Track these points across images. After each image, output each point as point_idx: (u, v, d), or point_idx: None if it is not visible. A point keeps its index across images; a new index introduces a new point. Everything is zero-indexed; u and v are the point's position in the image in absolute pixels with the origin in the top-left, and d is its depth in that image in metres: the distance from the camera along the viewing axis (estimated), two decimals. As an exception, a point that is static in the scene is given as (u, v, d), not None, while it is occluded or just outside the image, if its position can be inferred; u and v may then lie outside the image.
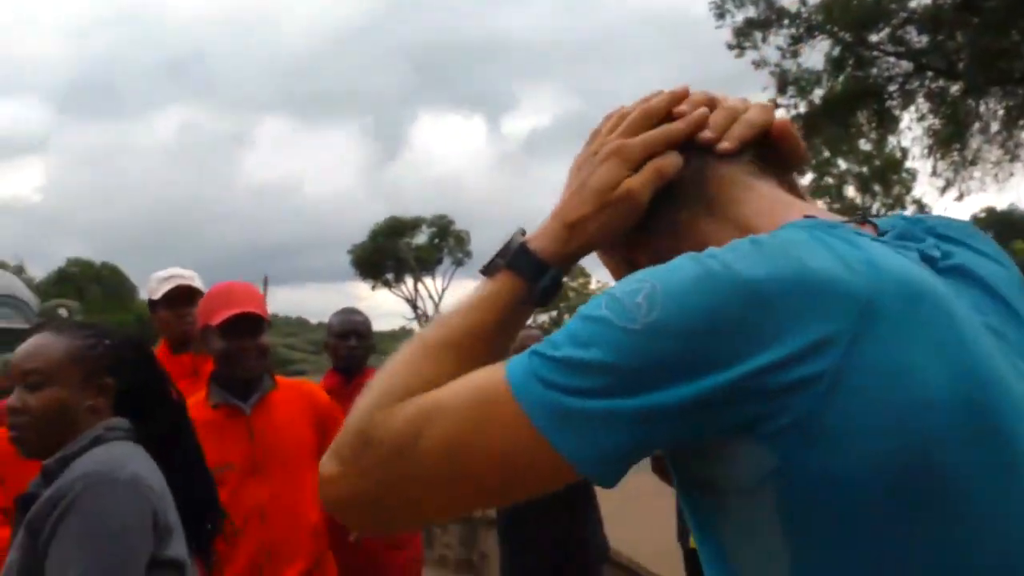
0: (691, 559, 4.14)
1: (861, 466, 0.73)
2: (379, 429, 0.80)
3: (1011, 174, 17.42)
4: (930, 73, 16.65)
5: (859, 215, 0.94)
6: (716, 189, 0.92)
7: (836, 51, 16.98)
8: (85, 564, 1.67)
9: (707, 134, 0.94)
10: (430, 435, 0.78)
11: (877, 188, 39.49)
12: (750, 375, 0.73)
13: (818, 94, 17.60)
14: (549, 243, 0.94)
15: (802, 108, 17.53)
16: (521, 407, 0.76)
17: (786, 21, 17.04)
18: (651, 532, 6.16)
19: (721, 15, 17.38)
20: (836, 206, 42.02)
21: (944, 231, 0.93)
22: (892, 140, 22.36)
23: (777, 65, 17.48)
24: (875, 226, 0.92)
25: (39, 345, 1.91)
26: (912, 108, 17.69)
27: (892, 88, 17.25)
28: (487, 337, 0.90)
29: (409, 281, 58.57)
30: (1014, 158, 17.18)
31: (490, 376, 0.80)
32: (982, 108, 16.72)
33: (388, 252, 57.32)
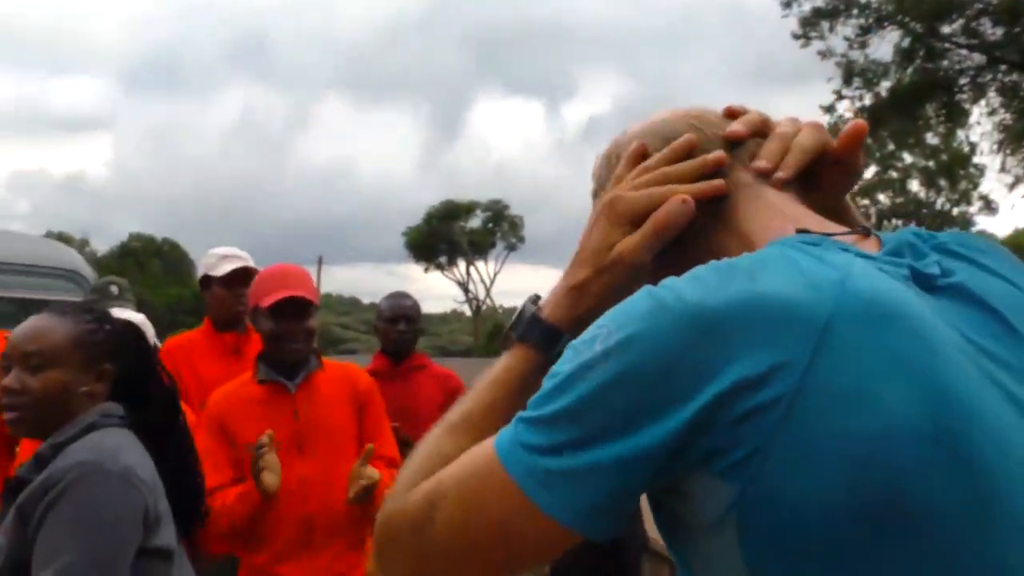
0: None
1: (821, 497, 0.71)
2: (398, 515, 0.84)
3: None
4: (1003, 67, 16.17)
5: (861, 228, 0.91)
6: (731, 197, 0.92)
7: (906, 42, 16.59)
8: (74, 553, 1.66)
9: (762, 163, 0.93)
10: (439, 516, 0.81)
11: (943, 183, 38.63)
12: (705, 408, 0.72)
13: (885, 86, 17.23)
14: (558, 309, 0.94)
15: (867, 100, 17.17)
16: (509, 476, 0.77)
17: (855, 11, 16.67)
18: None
19: (788, 4, 17.10)
20: (899, 200, 41.23)
21: (955, 247, 0.89)
22: (960, 134, 21.80)
23: (843, 55, 17.15)
24: (879, 240, 0.89)
25: (41, 327, 1.88)
26: (983, 102, 17.23)
27: (963, 81, 16.81)
28: (505, 411, 0.88)
29: (462, 264, 58.90)
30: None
31: (484, 450, 0.81)
32: (1057, 104, 16.20)
33: (442, 235, 57.64)
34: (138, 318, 2.90)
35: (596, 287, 0.93)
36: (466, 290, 60.30)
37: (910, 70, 16.64)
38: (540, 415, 0.77)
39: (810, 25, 16.93)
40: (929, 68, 16.53)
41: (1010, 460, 0.75)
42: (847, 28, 16.66)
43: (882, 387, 0.72)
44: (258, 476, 2.55)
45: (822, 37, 16.91)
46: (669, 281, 0.78)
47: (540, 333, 0.93)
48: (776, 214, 0.90)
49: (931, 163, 36.99)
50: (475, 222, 58.90)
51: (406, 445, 3.03)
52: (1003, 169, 17.50)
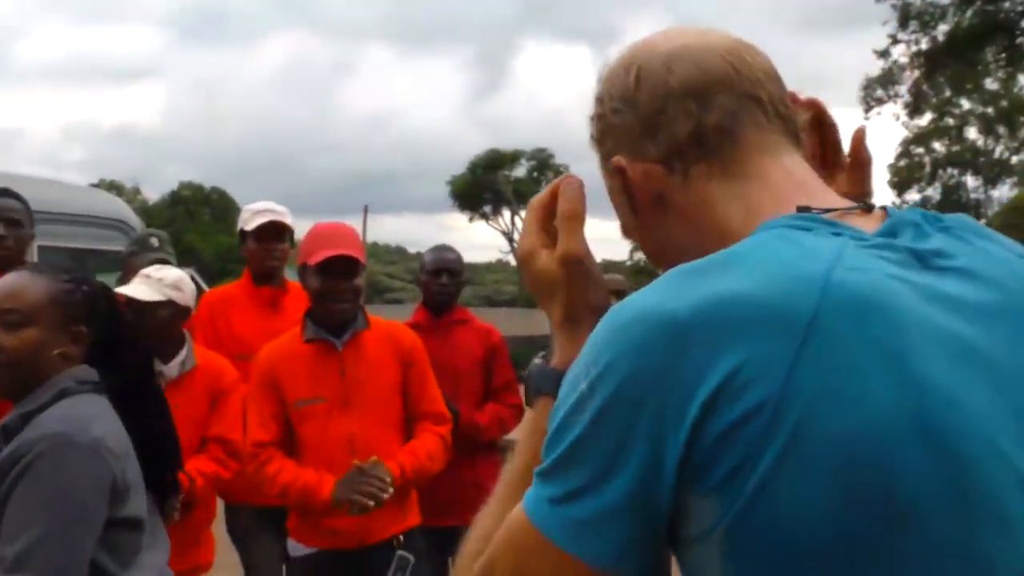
0: None
1: (811, 504, 0.69)
2: None
3: None
4: (1070, 8, 15.51)
5: (864, 203, 0.87)
6: (740, 152, 0.87)
7: (966, -17, 15.96)
8: (42, 527, 1.66)
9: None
10: None
11: (1002, 130, 37.51)
12: (696, 420, 0.70)
13: (942, 29, 16.66)
14: (563, 354, 0.95)
15: (924, 44, 16.63)
16: (543, 534, 0.77)
17: (913, -50, 16.06)
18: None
19: (842, -57, 16.47)
20: (956, 148, 40.16)
21: (960, 232, 0.85)
22: (1021, 79, 21.05)
23: (900, -3, 16.55)
24: (884, 212, 0.86)
25: (19, 284, 1.85)
26: (1047, 46, 16.57)
27: (1025, 23, 16.16)
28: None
29: (506, 214, 58.76)
30: None
31: (515, 515, 0.81)
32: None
33: (487, 184, 57.50)
34: (175, 274, 2.90)
35: (577, 308, 0.95)
36: (511, 240, 60.23)
37: (969, 12, 16.05)
38: (548, 465, 0.78)
39: (865, -34, 16.34)
40: (989, 10, 15.92)
41: (992, 454, 0.74)
42: (904, -32, 16.08)
43: (867, 386, 0.70)
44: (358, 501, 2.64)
45: (878, -22, 16.34)
46: (636, 295, 0.77)
47: (555, 381, 0.90)
48: (780, 187, 0.86)
49: (990, 109, 35.90)
50: (520, 171, 58.62)
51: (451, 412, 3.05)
52: (1066, 116, 16.88)
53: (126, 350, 1.97)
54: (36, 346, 1.83)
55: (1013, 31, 16.19)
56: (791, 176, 0.87)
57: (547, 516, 0.77)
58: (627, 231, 0.95)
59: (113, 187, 50.31)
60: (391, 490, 2.66)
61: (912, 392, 0.71)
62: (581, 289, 0.94)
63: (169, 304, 2.81)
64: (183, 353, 2.88)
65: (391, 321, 3.10)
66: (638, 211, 0.92)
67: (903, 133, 40.60)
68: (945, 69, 17.35)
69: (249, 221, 3.52)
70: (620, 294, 3.64)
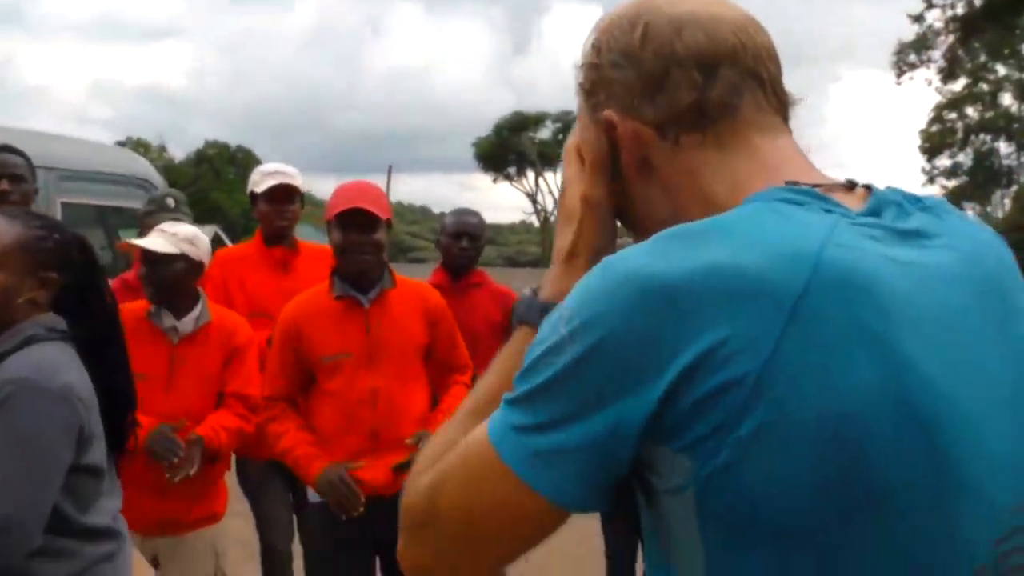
0: None
1: (779, 473, 0.70)
2: (411, 507, 0.85)
3: None
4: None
5: (849, 181, 0.87)
6: (736, 128, 0.87)
7: (1004, -56, 15.56)
8: (9, 468, 1.69)
9: None
10: (443, 500, 0.82)
11: (1037, 97, 36.76)
12: (671, 384, 0.71)
13: (979, -8, 16.26)
14: (552, 285, 0.95)
15: (960, 8, 16.27)
16: (502, 460, 0.78)
17: (950, -91, 15.67)
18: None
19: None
20: (989, 114, 39.45)
21: (940, 212, 0.86)
22: (1059, 45, 20.56)
23: (936, -41, 16.18)
24: (867, 190, 0.86)
25: None
26: (1086, 10, 16.16)
27: (1065, -13, 15.76)
28: None
29: (530, 175, 58.55)
30: None
31: (477, 435, 0.82)
32: None
33: (511, 146, 57.25)
34: (191, 229, 2.92)
35: (580, 247, 0.94)
36: (534, 201, 60.07)
37: (1008, -25, 15.67)
38: (519, 395, 0.78)
39: (901, -74, 15.98)
40: (1029, -27, 15.53)
41: (972, 436, 0.75)
42: (941, -71, 15.69)
43: (849, 365, 0.71)
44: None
45: (914, -61, 15.96)
46: (629, 252, 0.76)
47: (539, 313, 0.92)
48: (769, 159, 0.86)
49: (1025, 75, 35.15)
50: (545, 133, 58.30)
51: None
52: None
53: (95, 300, 1.98)
54: (3, 290, 1.84)
55: (1052, -6, 15.81)
56: (781, 154, 0.87)
57: (509, 442, 0.78)
58: (595, 190, 0.93)
59: (140, 145, 50.58)
60: (362, 508, 2.72)
61: (894, 374, 0.72)
62: (590, 231, 0.94)
63: (183, 258, 2.82)
64: (197, 309, 2.90)
65: (418, 281, 3.14)
66: (620, 171, 0.91)
67: (935, 99, 39.93)
68: (981, 34, 16.99)
69: (259, 183, 3.54)
70: (469, 236, 3.65)
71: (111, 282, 3.68)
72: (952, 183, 41.23)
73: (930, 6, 17.65)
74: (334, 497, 2.70)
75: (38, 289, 1.87)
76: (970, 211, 42.91)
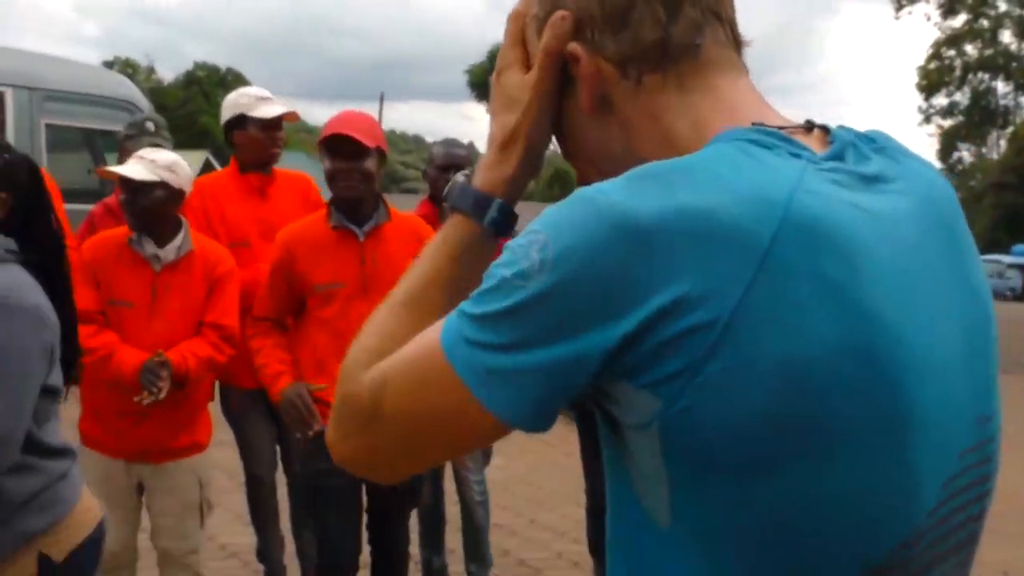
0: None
1: (742, 415, 0.72)
2: (351, 398, 0.85)
3: None
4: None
5: (808, 122, 0.86)
6: (698, 68, 0.86)
7: None
8: None
9: None
10: (386, 400, 0.82)
11: (1038, 35, 36.36)
12: (643, 323, 0.72)
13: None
14: (488, 172, 0.93)
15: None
16: (453, 369, 0.78)
17: None
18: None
19: None
20: (988, 52, 39.02)
21: (892, 152, 0.87)
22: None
23: None
24: (826, 131, 0.86)
25: None
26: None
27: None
28: (445, 285, 0.91)
29: (525, 106, 57.74)
30: None
31: (429, 338, 0.81)
32: None
33: (506, 75, 56.32)
34: (170, 156, 2.87)
35: (520, 132, 0.91)
36: (528, 132, 59.35)
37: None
38: (481, 312, 0.77)
39: None
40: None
41: (930, 382, 0.77)
42: None
43: (815, 313, 0.72)
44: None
45: None
46: (607, 185, 0.75)
47: (472, 200, 0.92)
48: (735, 99, 0.85)
49: (1027, 12, 34.70)
50: (540, 62, 57.42)
51: None
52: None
53: (41, 225, 1.97)
54: None
55: (1059, -71, 15.49)
56: (742, 95, 0.86)
57: (463, 356, 0.77)
58: (546, 83, 0.90)
59: (128, 66, 49.70)
60: (318, 427, 2.77)
61: (856, 323, 0.73)
62: (534, 121, 0.91)
63: (163, 185, 2.78)
64: (179, 237, 2.86)
65: (412, 214, 3.12)
66: (578, 107, 0.89)
67: (934, 35, 39.43)
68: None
69: (254, 107, 3.43)
70: (458, 168, 3.64)
71: (93, 207, 3.66)
72: (948, 122, 41.03)
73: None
74: (290, 415, 2.77)
75: None
76: (965, 152, 42.77)
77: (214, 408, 3.21)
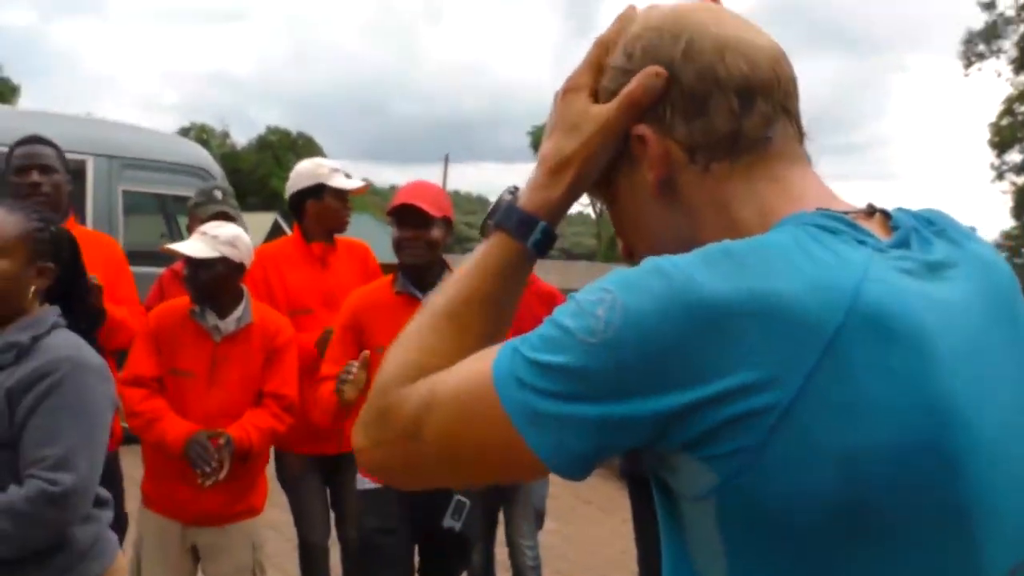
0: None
1: (800, 497, 0.72)
2: (392, 412, 0.86)
3: None
4: None
5: (869, 207, 0.87)
6: (766, 159, 0.87)
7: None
8: (75, 436, 1.88)
9: None
10: (430, 424, 0.83)
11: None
12: (703, 401, 0.72)
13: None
14: (535, 194, 0.93)
15: None
16: (502, 405, 0.78)
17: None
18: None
19: None
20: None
21: (952, 234, 0.87)
22: None
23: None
24: (887, 215, 0.86)
25: None
26: None
27: None
28: (485, 302, 0.91)
29: (589, 165, 57.85)
30: None
31: (480, 370, 0.82)
32: None
33: (569, 135, 56.63)
34: (231, 231, 2.97)
35: (576, 162, 0.90)
36: (592, 191, 59.46)
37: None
38: (537, 360, 0.78)
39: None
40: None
41: (995, 472, 0.77)
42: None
43: (880, 403, 0.72)
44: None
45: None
46: (682, 261, 0.76)
47: (517, 221, 0.92)
48: (800, 188, 0.86)
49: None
50: (603, 122, 57.66)
51: None
52: None
53: (80, 295, 2.13)
54: (14, 277, 1.96)
55: None
56: (808, 185, 0.87)
57: (513, 393, 0.78)
58: (620, 122, 0.88)
59: (203, 131, 51.38)
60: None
61: (921, 412, 0.74)
62: (593, 153, 0.90)
63: (223, 260, 2.88)
64: (240, 309, 2.96)
65: None
66: (643, 188, 0.89)
67: (1006, 91, 38.70)
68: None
69: (331, 178, 3.54)
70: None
71: (163, 271, 3.80)
72: (1022, 179, 40.01)
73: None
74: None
75: (38, 278, 2.01)
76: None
77: (268, 469, 3.27)
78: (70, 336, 1.99)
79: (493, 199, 3.17)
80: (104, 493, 2.04)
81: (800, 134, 0.89)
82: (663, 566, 0.87)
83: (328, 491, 3.53)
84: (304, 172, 3.60)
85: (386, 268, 3.80)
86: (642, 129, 0.87)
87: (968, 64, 31.42)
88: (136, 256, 5.60)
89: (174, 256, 2.99)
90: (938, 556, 0.75)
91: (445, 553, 2.91)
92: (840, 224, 0.80)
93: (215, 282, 2.88)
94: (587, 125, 0.89)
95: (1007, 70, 30.69)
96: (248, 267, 2.99)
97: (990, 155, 40.55)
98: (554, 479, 4.33)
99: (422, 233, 2.87)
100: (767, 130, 0.86)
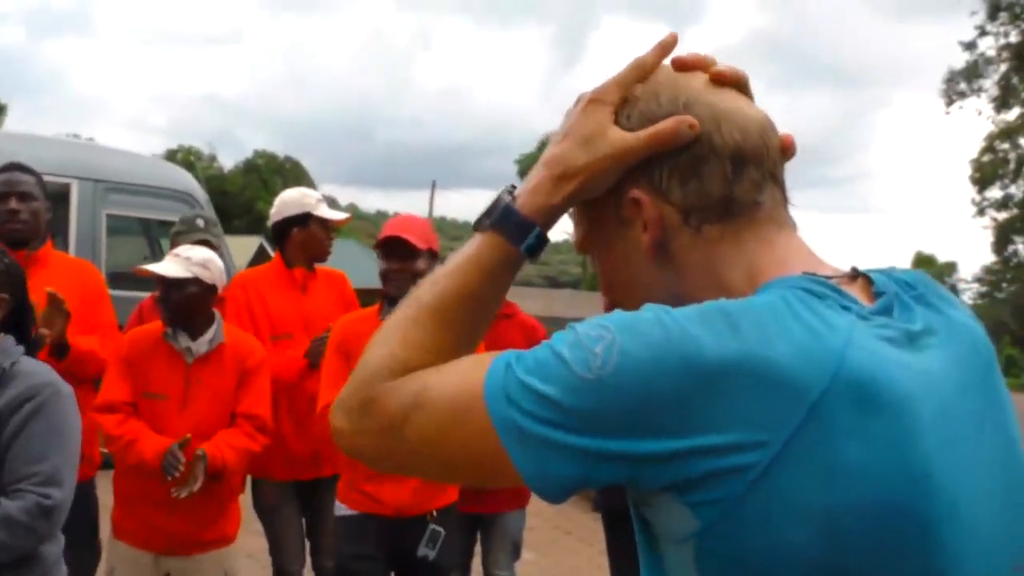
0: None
1: (777, 551, 0.75)
2: (377, 405, 0.87)
3: None
4: None
5: (852, 270, 0.90)
6: (754, 224, 0.89)
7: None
8: (59, 457, 2.05)
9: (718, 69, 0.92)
10: (416, 422, 0.84)
11: (1093, 129, 35.94)
12: (687, 451, 0.75)
13: (1033, 22, 16.00)
14: (535, 197, 0.92)
15: (1013, 37, 16.01)
16: (490, 418, 0.80)
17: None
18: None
19: (930, -69, 15.95)
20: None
21: (931, 298, 0.90)
22: (1116, 77, 20.15)
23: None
24: (869, 280, 0.88)
25: None
26: None
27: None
28: (472, 300, 0.92)
29: (575, 195, 58.16)
30: None
31: (472, 379, 0.83)
32: None
33: (556, 164, 56.94)
34: (205, 253, 3.00)
35: (582, 176, 0.90)
36: (578, 220, 59.71)
37: (1063, 6, 15.40)
38: (529, 384, 0.79)
39: (953, -45, 15.81)
40: (1084, 4, 15.25)
41: (968, 533, 0.79)
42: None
43: (858, 467, 0.75)
44: None
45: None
46: (680, 314, 0.78)
47: (514, 224, 0.92)
48: (787, 252, 0.89)
49: (1081, 107, 34.34)
50: (590, 152, 57.98)
51: None
52: None
53: (27, 324, 2.22)
54: None
55: (1108, 26, 15.50)
56: (794, 248, 0.90)
57: (502, 410, 0.80)
58: (637, 152, 0.88)
59: (191, 154, 51.33)
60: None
61: (901, 482, 0.76)
62: (601, 175, 0.90)
63: (195, 281, 2.90)
64: (212, 330, 2.97)
65: None
66: (636, 247, 0.90)
67: (986, 128, 39.21)
68: (1034, 64, 16.69)
69: (317, 208, 3.59)
70: None
71: (143, 299, 3.79)
72: (1003, 215, 40.45)
73: (983, 33, 17.42)
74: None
75: None
76: (1021, 245, 41.97)
77: (244, 499, 3.25)
78: (39, 363, 2.09)
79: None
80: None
81: (785, 199, 0.92)
82: None
83: (304, 520, 3.51)
84: (291, 200, 3.63)
85: (365, 294, 3.82)
86: (637, 193, 0.89)
87: (950, 102, 31.79)
88: (119, 280, 5.55)
89: (153, 279, 2.99)
90: None
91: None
92: (825, 289, 0.82)
93: (187, 303, 2.89)
94: (603, 144, 0.89)
95: (988, 108, 31.10)
96: (220, 290, 3.00)
97: (971, 191, 41.03)
98: (532, 510, 4.34)
99: (408, 265, 2.93)
100: (757, 195, 0.89)
